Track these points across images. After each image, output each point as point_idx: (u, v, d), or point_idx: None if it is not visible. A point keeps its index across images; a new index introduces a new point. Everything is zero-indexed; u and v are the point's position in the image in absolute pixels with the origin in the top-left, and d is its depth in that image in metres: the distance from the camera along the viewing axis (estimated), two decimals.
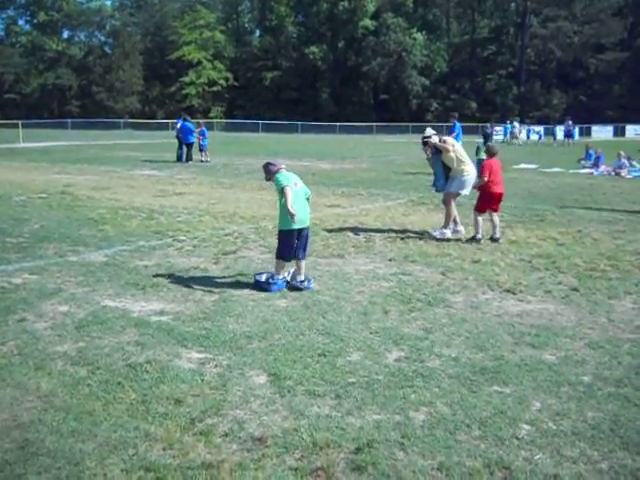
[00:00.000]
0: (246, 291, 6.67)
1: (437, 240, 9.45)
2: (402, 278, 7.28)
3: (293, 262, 6.90)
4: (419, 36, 77.75)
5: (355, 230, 10.25)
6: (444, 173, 9.89)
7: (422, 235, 9.82)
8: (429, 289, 6.81)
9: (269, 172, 6.95)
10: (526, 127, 54.44)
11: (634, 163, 22.61)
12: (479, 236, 9.33)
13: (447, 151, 9.68)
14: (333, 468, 3.38)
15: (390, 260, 8.18)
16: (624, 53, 77.97)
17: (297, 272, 6.87)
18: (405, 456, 3.50)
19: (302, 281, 6.80)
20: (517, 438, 3.70)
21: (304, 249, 6.91)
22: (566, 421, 3.91)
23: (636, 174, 21.50)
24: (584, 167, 24.00)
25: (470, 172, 9.73)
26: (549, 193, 15.98)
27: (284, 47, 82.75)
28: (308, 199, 7.08)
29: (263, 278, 6.80)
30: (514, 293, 6.71)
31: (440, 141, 9.81)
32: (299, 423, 3.86)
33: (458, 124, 19.81)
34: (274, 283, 6.71)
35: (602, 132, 62.60)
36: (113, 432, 3.72)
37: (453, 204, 9.84)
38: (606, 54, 77.62)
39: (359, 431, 3.76)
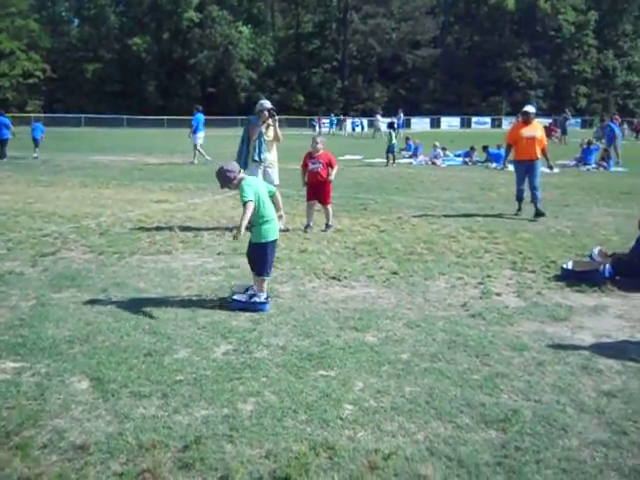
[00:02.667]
0: (67, 293, 6.34)
1: None
2: (231, 271, 7.27)
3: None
4: (245, 29, 77.98)
5: (183, 225, 10.08)
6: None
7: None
8: None
9: (227, 180, 5.95)
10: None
11: (447, 153, 24.27)
12: (310, 224, 9.66)
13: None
14: (160, 469, 3.31)
15: (219, 254, 8.15)
16: (437, 50, 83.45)
17: (259, 289, 6.03)
18: (233, 448, 3.51)
19: (267, 297, 6.05)
20: (341, 418, 3.84)
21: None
22: (386, 398, 4.11)
23: (449, 162, 23.12)
24: (404, 157, 25.34)
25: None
26: (372, 183, 16.72)
27: (105, 38, 79.28)
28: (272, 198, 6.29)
29: (244, 299, 5.94)
30: (339, 280, 6.96)
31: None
32: (124, 426, 3.73)
33: (199, 115, 22.23)
34: (263, 302, 5.93)
35: (420, 124, 66.57)
36: None
37: None
38: (422, 50, 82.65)
39: (187, 428, 3.71)
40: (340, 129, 52.73)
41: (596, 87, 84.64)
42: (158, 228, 9.84)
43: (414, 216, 11.18)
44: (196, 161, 22.23)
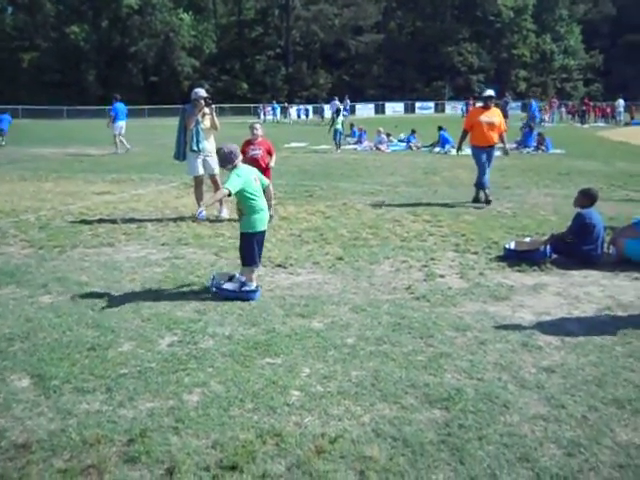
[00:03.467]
0: (6, 290, 6.17)
1: (210, 222, 9.48)
2: (175, 262, 7.20)
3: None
4: (186, 16, 76.68)
5: (126, 217, 9.91)
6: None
7: (196, 218, 9.76)
8: (202, 271, 6.81)
9: (227, 162, 5.98)
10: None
11: (392, 138, 24.46)
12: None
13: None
14: (105, 463, 3.27)
15: (163, 245, 8.05)
16: (380, 35, 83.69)
17: (249, 279, 6.01)
18: (179, 439, 3.49)
19: (257, 287, 6.03)
20: (288, 405, 3.85)
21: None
22: (333, 382, 4.15)
23: (394, 148, 23.31)
24: (349, 143, 25.43)
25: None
26: (317, 169, 16.74)
27: (42, 26, 76.74)
28: (264, 190, 6.20)
29: (231, 287, 5.94)
30: (285, 267, 6.96)
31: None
32: (67, 423, 3.67)
33: (118, 104, 22.35)
34: (254, 290, 5.92)
35: (365, 110, 66.76)
36: None
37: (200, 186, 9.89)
38: (365, 36, 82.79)
39: (131, 422, 3.67)
40: (285, 116, 52.53)
41: (535, 71, 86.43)
42: (100, 220, 9.65)
43: (359, 201, 11.25)
44: (120, 151, 21.87)
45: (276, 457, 3.32)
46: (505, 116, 40.56)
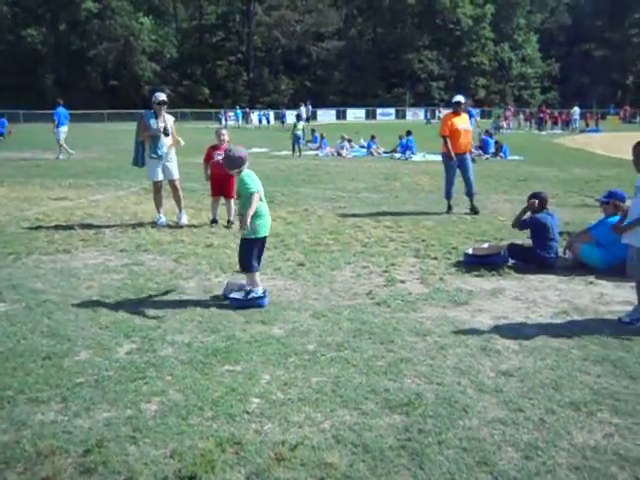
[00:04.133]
0: None
1: (170, 228, 9.39)
2: (134, 269, 7.10)
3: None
4: (146, 20, 75.99)
5: (83, 223, 9.75)
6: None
7: (155, 224, 9.66)
8: (162, 277, 6.74)
9: (235, 165, 5.91)
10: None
11: (353, 144, 24.59)
12: (216, 218, 9.59)
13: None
14: (60, 475, 3.20)
15: (121, 251, 7.94)
16: (341, 42, 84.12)
17: (253, 284, 5.96)
18: (137, 449, 3.43)
19: (264, 291, 5.99)
20: (247, 412, 3.82)
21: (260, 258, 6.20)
22: (293, 389, 4.13)
23: (355, 154, 23.42)
24: (310, 149, 25.47)
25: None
26: (279, 175, 16.72)
27: None
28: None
29: (240, 296, 5.87)
30: None
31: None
32: (21, 434, 3.58)
33: (60, 109, 21.99)
34: (261, 297, 5.87)
35: (326, 116, 66.97)
36: None
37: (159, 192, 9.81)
38: (326, 42, 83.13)
39: (88, 432, 3.60)
40: (247, 122, 52.40)
41: (494, 79, 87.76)
42: (57, 227, 9.47)
43: (320, 207, 11.27)
44: (61, 156, 21.54)
45: (235, 466, 3.29)
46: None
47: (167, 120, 9.59)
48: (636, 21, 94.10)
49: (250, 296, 5.86)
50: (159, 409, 3.86)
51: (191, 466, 3.26)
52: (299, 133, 22.70)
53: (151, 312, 5.62)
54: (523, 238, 7.90)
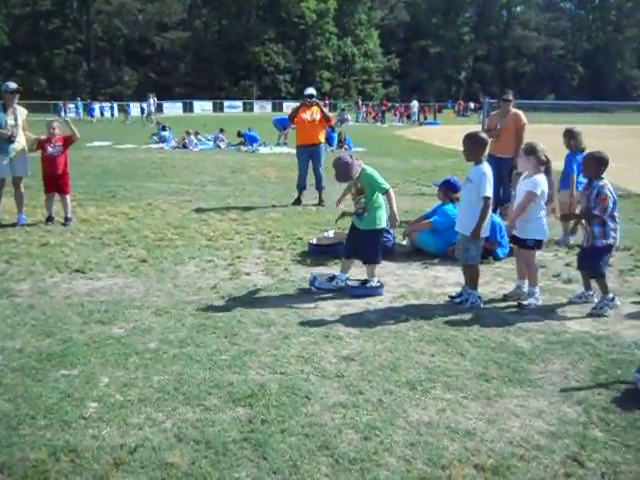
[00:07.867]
0: None
1: (0, 227, 8.77)
2: None
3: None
4: None
5: None
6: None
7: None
8: None
9: (349, 169, 5.90)
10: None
11: (200, 137, 24.23)
12: (50, 216, 9.11)
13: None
14: None
15: None
16: (186, 33, 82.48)
17: (373, 275, 6.10)
18: None
19: (379, 281, 6.13)
20: (84, 418, 3.65)
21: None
22: (133, 390, 3.99)
23: (202, 147, 23.10)
24: (156, 142, 24.80)
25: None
26: (122, 169, 16.14)
27: None
28: None
29: (357, 284, 6.09)
30: (84, 272, 6.60)
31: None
32: None
33: None
34: (379, 286, 6.04)
35: (173, 108, 65.33)
36: None
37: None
38: (170, 33, 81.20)
39: None
40: (88, 114, 50.02)
41: (338, 72, 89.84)
42: None
43: (165, 201, 11.00)
44: None
45: (71, 475, 3.13)
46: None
47: (18, 114, 8.91)
48: (467, 20, 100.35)
49: (369, 285, 6.02)
50: None
51: (22, 479, 3.07)
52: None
53: None
54: None
